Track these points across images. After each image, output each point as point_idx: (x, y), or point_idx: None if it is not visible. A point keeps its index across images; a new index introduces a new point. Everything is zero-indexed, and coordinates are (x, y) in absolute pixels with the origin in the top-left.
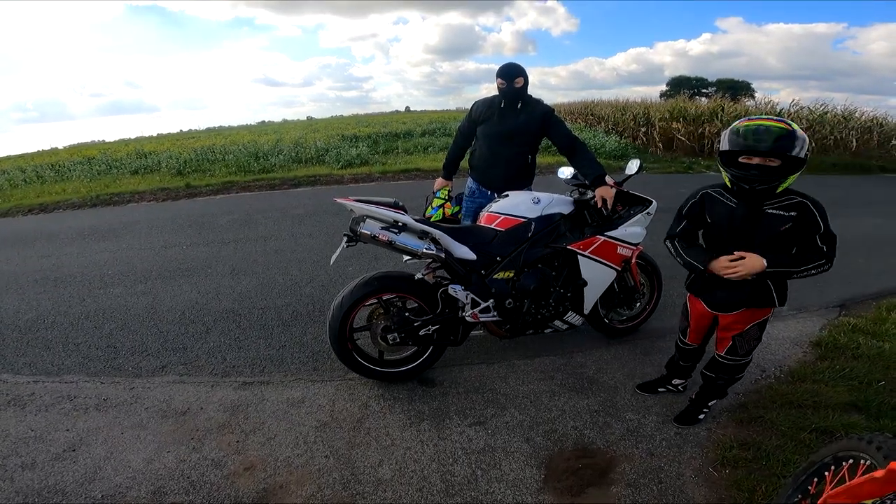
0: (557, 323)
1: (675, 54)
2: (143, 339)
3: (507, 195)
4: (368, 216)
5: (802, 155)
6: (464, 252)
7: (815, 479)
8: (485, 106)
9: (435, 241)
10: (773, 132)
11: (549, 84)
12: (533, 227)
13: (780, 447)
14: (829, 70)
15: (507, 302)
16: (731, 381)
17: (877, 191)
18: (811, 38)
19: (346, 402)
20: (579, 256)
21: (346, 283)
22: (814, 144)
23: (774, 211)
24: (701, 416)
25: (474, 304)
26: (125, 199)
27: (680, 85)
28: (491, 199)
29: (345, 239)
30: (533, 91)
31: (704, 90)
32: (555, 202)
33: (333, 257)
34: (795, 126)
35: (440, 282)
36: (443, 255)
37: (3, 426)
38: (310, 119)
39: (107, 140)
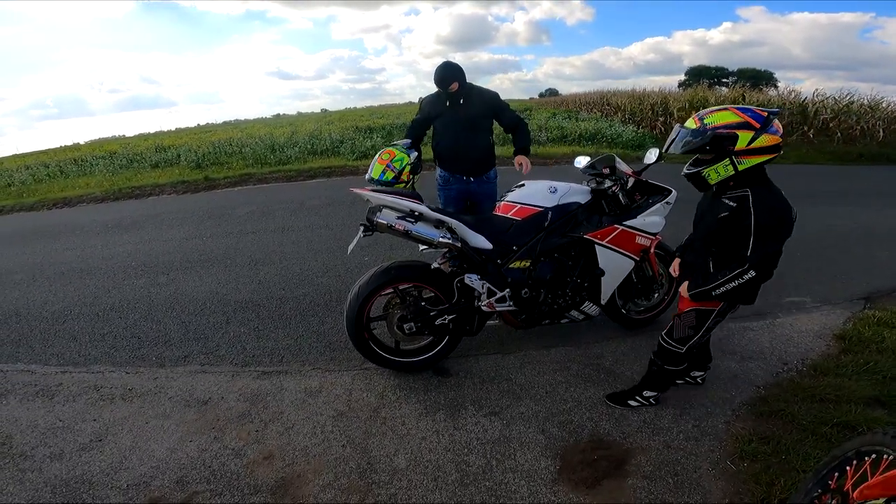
0: (574, 313)
1: (694, 44)
2: (166, 329)
3: (523, 184)
4: (384, 206)
5: (749, 146)
6: (480, 241)
7: (836, 474)
8: (434, 102)
9: (451, 231)
10: (684, 131)
11: (563, 74)
12: (550, 216)
13: (801, 441)
14: (855, 60)
15: (524, 291)
16: (662, 371)
17: None
18: (837, 28)
19: (363, 392)
20: (596, 246)
21: (362, 273)
22: (839, 134)
23: (723, 201)
24: (632, 403)
25: (490, 294)
26: (146, 192)
27: (699, 75)
28: (465, 184)
29: (361, 229)
30: (547, 82)
31: (725, 80)
32: (572, 191)
33: (350, 247)
34: (711, 119)
35: (456, 271)
36: (459, 245)
37: (32, 417)
38: (324, 111)
39: (127, 135)
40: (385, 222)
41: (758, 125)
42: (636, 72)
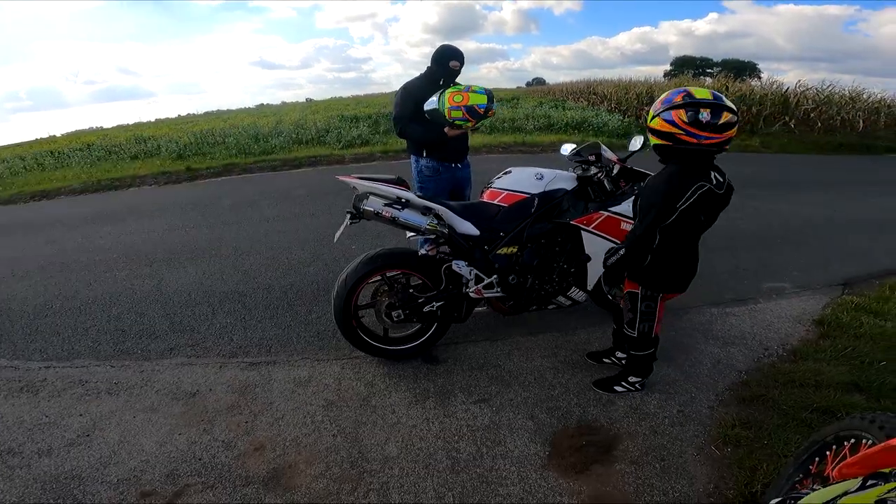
0: (561, 299)
1: (680, 34)
2: (151, 321)
3: (509, 171)
4: (371, 193)
5: (649, 123)
6: (467, 227)
7: (817, 459)
8: (425, 86)
9: (438, 217)
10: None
11: (550, 63)
12: (536, 202)
13: (782, 426)
14: (838, 52)
15: (511, 277)
16: (632, 357)
17: (884, 171)
18: (822, 20)
19: (352, 381)
20: (582, 232)
21: (349, 261)
22: (820, 124)
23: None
24: (618, 389)
25: (478, 280)
26: (126, 184)
27: (684, 65)
28: (453, 171)
29: (348, 216)
30: (535, 71)
31: (709, 70)
32: (558, 178)
33: (337, 235)
34: (664, 96)
35: (443, 258)
36: (446, 231)
37: (18, 413)
38: (309, 101)
39: (105, 126)
40: (372, 210)
41: (660, 107)
42: (623, 61)
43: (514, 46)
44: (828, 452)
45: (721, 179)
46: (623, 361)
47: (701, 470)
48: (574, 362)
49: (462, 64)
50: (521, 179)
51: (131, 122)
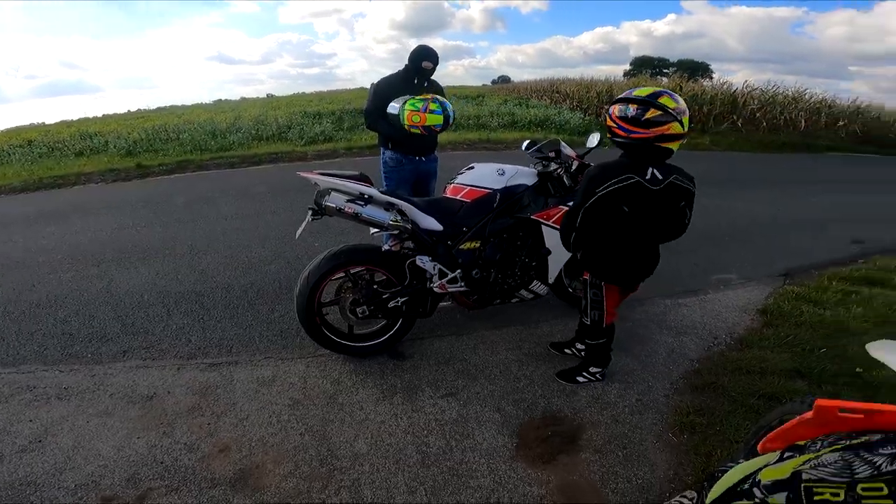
0: (523, 292)
1: (640, 34)
2: (101, 324)
3: (472, 167)
4: (333, 189)
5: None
6: (430, 223)
7: None
8: (395, 83)
9: (401, 213)
10: None
11: (516, 62)
12: (498, 198)
13: (732, 412)
14: (785, 54)
15: (474, 272)
16: (587, 347)
17: (823, 169)
18: (771, 22)
19: (318, 379)
20: (543, 226)
21: (312, 258)
22: (765, 124)
23: None
24: (580, 379)
25: (442, 275)
26: (70, 182)
27: (643, 65)
28: (417, 164)
29: (310, 213)
30: (500, 69)
31: (666, 70)
32: (519, 174)
33: (299, 231)
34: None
35: (407, 253)
36: (409, 227)
37: None
38: (270, 97)
39: (47, 122)
40: (334, 206)
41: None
42: (586, 61)
43: (480, 44)
44: None
45: (660, 177)
46: (583, 353)
47: (661, 457)
48: (538, 354)
49: (435, 64)
50: (483, 175)
51: (76, 118)
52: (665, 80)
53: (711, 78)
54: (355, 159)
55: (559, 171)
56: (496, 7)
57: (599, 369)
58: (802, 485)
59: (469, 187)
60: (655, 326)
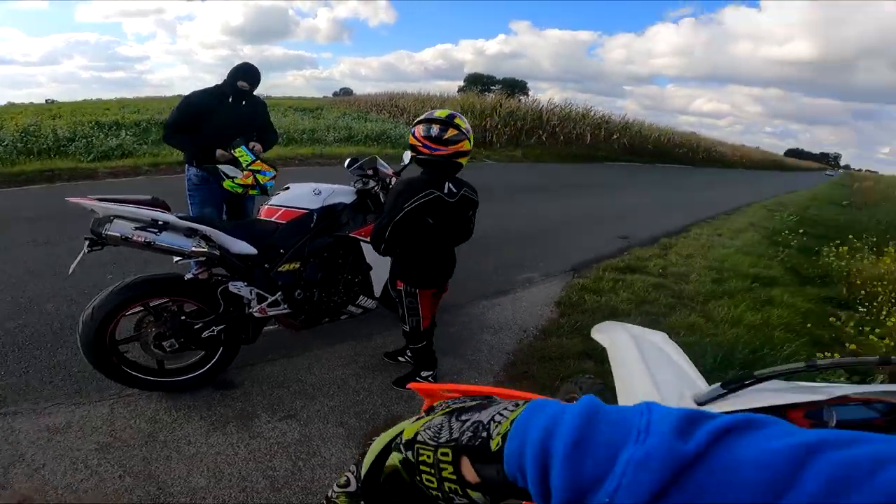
0: (351, 308)
1: (475, 52)
2: None
3: (287, 188)
4: (116, 216)
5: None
6: (242, 247)
7: None
8: (210, 102)
9: (206, 238)
10: None
11: (359, 74)
12: (315, 217)
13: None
14: (582, 74)
15: (297, 293)
16: (413, 353)
17: (600, 176)
18: (575, 44)
19: (129, 420)
20: (362, 243)
21: (99, 293)
22: (562, 137)
23: None
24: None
25: (261, 299)
26: None
27: (474, 81)
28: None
29: (87, 243)
30: (343, 81)
31: (492, 87)
32: (336, 192)
33: (73, 266)
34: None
35: (218, 280)
36: (217, 253)
37: None
38: (50, 102)
39: None
40: (118, 234)
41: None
42: (426, 76)
43: (324, 55)
44: None
45: (455, 190)
46: (419, 379)
47: None
48: (374, 366)
49: (253, 85)
50: (299, 195)
51: None
52: (491, 96)
53: (528, 95)
54: (162, 177)
55: (377, 188)
56: (345, 18)
57: (430, 372)
58: (416, 445)
59: (284, 208)
60: (476, 327)
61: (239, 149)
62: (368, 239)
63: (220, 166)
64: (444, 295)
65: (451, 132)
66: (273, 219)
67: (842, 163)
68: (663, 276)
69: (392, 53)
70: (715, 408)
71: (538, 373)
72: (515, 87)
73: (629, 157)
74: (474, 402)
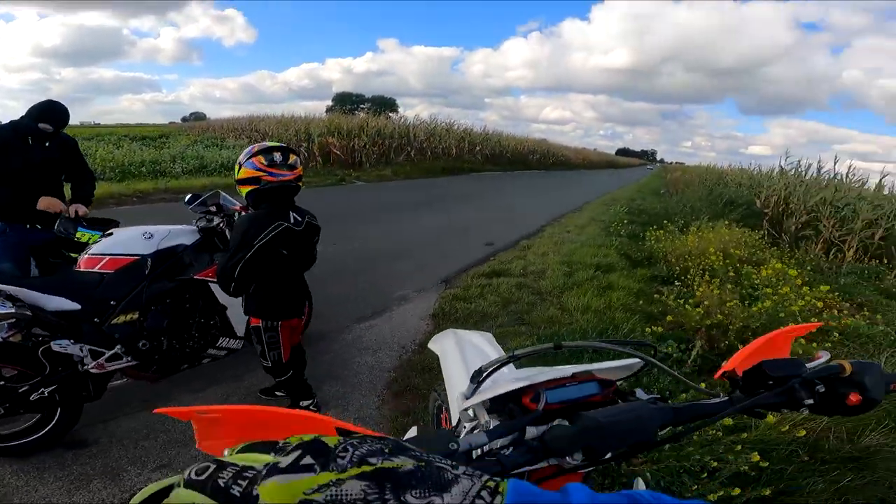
0: (213, 351)
1: (343, 71)
2: None
3: (110, 233)
4: None
5: (237, 177)
6: (59, 303)
7: None
8: (8, 139)
9: (12, 298)
10: None
11: (213, 97)
12: (150, 263)
13: (425, 408)
14: (447, 89)
15: (141, 344)
16: (282, 384)
17: (467, 187)
18: (440, 60)
19: None
20: (210, 284)
21: None
22: (430, 153)
23: None
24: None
25: (96, 355)
26: None
27: (343, 101)
28: (28, 234)
29: None
30: (194, 105)
31: (362, 105)
32: (172, 234)
33: None
34: (241, 161)
35: (38, 340)
36: (28, 314)
37: None
38: None
39: None
40: None
41: (243, 159)
42: (291, 96)
43: (167, 77)
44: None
45: (300, 219)
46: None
47: None
48: (256, 402)
49: (58, 126)
50: (125, 242)
51: None
52: (362, 114)
53: (397, 112)
54: None
55: (222, 224)
56: (194, 38)
57: (310, 401)
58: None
59: (108, 257)
60: (355, 350)
61: (80, 232)
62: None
63: (56, 226)
64: (312, 323)
65: (292, 157)
66: (95, 269)
67: (658, 157)
68: (524, 275)
69: (252, 74)
70: (478, 398)
71: (419, 384)
72: (384, 104)
73: (491, 166)
74: (410, 468)
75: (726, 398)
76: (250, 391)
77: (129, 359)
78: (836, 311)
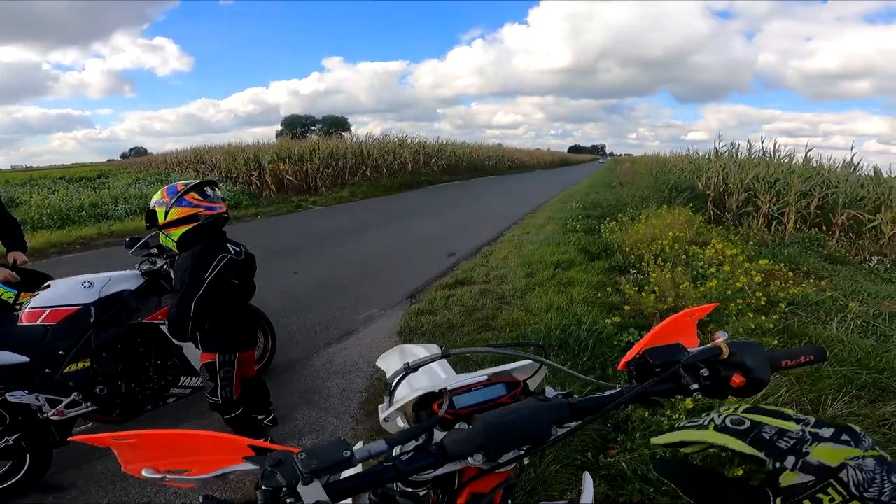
0: (176, 391)
1: (289, 93)
2: None
3: (48, 286)
4: None
5: (166, 220)
6: (7, 357)
7: None
8: None
9: None
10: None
11: (153, 130)
12: (94, 311)
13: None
14: (397, 103)
15: (98, 389)
16: (232, 421)
17: (426, 199)
18: (387, 75)
19: None
20: (161, 327)
21: None
22: (385, 169)
23: None
24: None
25: (53, 403)
26: None
27: (293, 124)
28: None
29: None
30: (132, 139)
31: (313, 127)
32: (114, 280)
33: None
34: (154, 196)
35: None
36: None
37: None
38: None
39: None
40: None
41: (169, 200)
42: (237, 123)
43: (100, 112)
44: None
45: (238, 249)
46: (266, 421)
47: None
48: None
49: None
50: (64, 293)
51: None
52: (314, 136)
53: (350, 131)
54: None
55: (166, 266)
56: (123, 69)
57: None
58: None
59: (49, 309)
60: (326, 374)
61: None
62: (165, 321)
63: None
64: (279, 352)
65: (217, 190)
66: (38, 322)
67: (608, 151)
68: (487, 282)
69: (193, 103)
70: (391, 409)
71: None
72: (336, 124)
73: (449, 176)
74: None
75: (620, 389)
76: (215, 427)
77: (89, 404)
78: (780, 282)
